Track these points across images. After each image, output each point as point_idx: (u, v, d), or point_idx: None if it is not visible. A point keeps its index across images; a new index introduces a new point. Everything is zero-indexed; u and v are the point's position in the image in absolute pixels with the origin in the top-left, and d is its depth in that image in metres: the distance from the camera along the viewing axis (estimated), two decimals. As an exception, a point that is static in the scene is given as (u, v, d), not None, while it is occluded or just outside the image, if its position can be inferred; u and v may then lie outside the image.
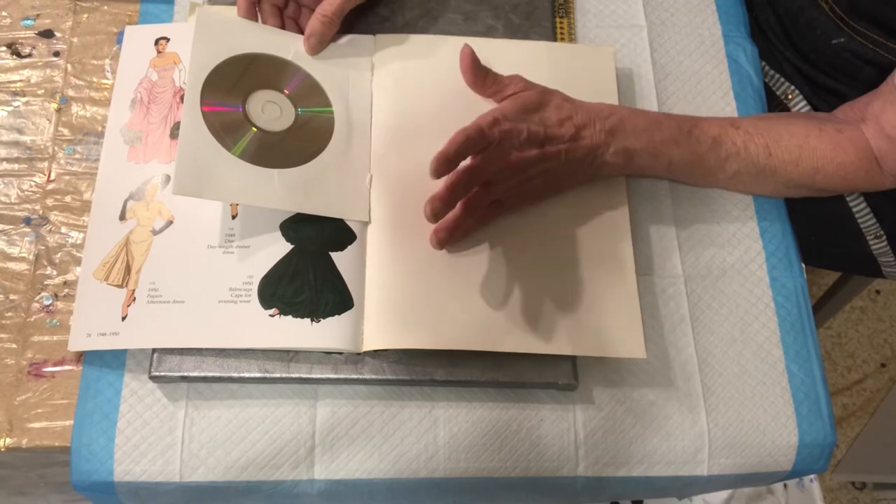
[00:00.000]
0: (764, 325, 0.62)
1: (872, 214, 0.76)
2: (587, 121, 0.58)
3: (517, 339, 0.55)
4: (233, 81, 0.59)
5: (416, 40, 0.65)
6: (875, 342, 1.48)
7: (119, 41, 0.68)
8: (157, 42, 0.65)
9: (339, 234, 0.58)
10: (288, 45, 0.62)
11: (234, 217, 0.57)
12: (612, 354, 0.56)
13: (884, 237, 0.78)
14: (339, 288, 0.56)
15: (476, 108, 0.59)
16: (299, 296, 0.55)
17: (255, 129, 0.58)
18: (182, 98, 0.59)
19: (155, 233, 0.57)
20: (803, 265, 0.66)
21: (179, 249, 0.57)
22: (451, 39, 0.65)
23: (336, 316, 0.55)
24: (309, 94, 0.61)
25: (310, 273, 0.56)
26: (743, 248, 0.65)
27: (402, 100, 0.63)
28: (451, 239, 0.56)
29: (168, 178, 0.59)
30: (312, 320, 0.55)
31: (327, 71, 0.62)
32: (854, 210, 0.77)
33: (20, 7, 0.69)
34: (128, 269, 0.56)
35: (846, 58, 0.70)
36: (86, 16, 0.69)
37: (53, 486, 0.65)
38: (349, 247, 0.58)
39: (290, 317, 0.55)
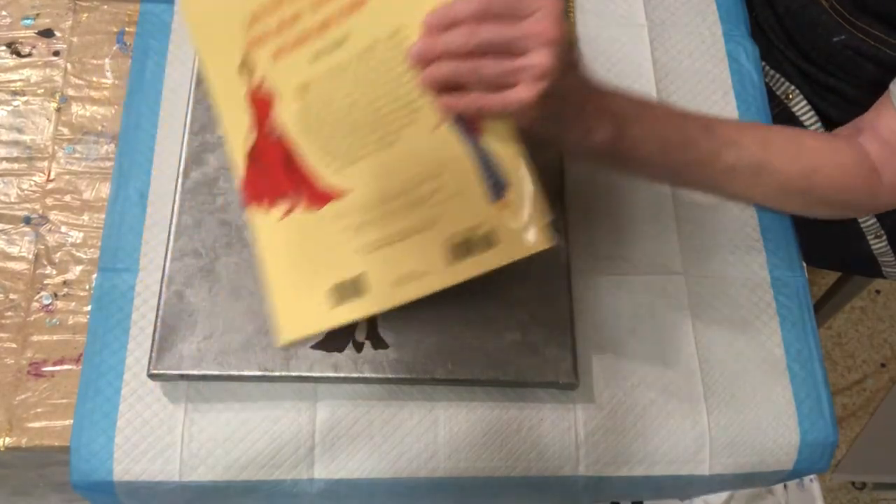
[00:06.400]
0: (765, 325, 0.62)
1: (873, 214, 0.77)
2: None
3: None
4: None
5: None
6: (875, 342, 1.48)
7: (119, 41, 0.68)
8: None
9: None
10: None
11: None
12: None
13: (884, 237, 0.78)
14: None
15: None
16: None
17: None
18: None
19: None
20: (804, 264, 0.66)
21: None
22: None
23: None
24: None
25: None
26: (744, 246, 0.65)
27: None
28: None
29: None
30: None
31: None
32: (854, 209, 0.77)
33: (20, 6, 0.69)
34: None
35: (847, 55, 0.70)
36: (85, 15, 0.69)
37: (53, 485, 0.65)
38: None
39: None
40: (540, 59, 0.45)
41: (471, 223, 0.49)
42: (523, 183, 0.48)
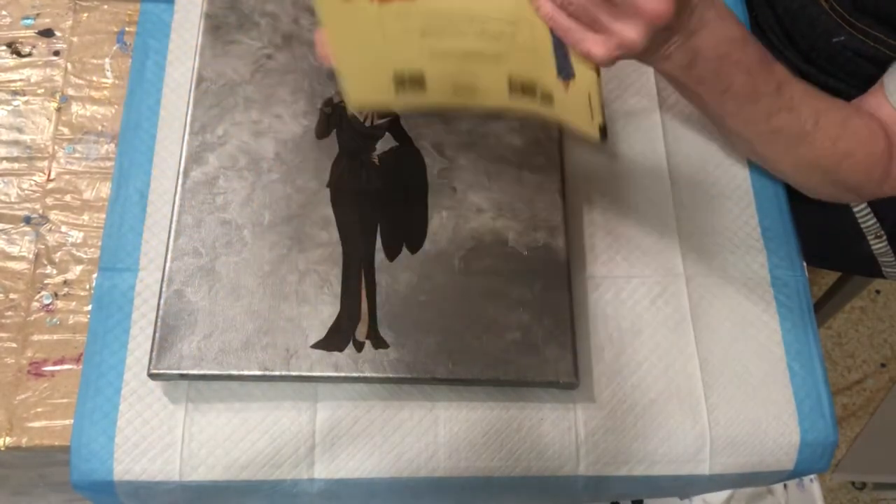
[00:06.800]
0: (765, 324, 0.62)
1: (873, 214, 0.77)
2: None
3: None
4: None
5: None
6: (875, 342, 1.48)
7: (119, 41, 0.68)
8: None
9: None
10: None
11: None
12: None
13: (884, 237, 0.78)
14: None
15: None
16: None
17: None
18: None
19: None
20: (805, 263, 0.66)
21: None
22: None
23: None
24: None
25: None
26: (744, 246, 0.65)
27: None
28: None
29: None
30: None
31: None
32: (855, 210, 0.77)
33: (20, 6, 0.69)
34: None
35: (847, 56, 0.70)
36: (86, 15, 0.69)
37: (53, 485, 0.65)
38: None
39: None
40: (629, 33, 0.43)
41: (535, 76, 0.49)
42: (588, 82, 0.47)
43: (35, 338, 0.58)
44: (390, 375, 0.55)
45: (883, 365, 1.46)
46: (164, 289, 0.56)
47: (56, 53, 0.68)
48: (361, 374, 0.55)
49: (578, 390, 0.58)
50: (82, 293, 0.60)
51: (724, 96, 0.55)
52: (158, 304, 0.56)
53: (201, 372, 0.54)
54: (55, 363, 0.58)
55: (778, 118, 0.57)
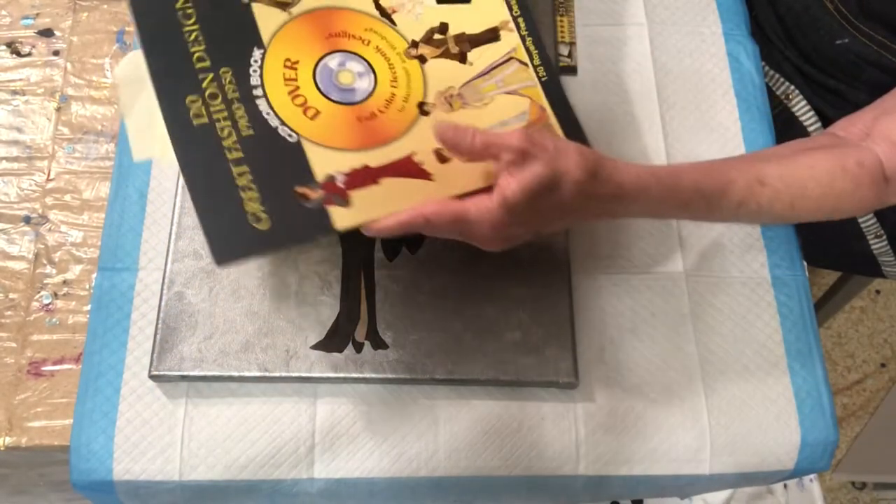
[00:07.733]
0: (766, 324, 0.62)
1: (873, 214, 0.76)
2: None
3: None
4: None
5: None
6: (875, 342, 1.48)
7: (118, 40, 0.68)
8: None
9: None
10: None
11: None
12: None
13: (884, 237, 0.78)
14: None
15: None
16: None
17: None
18: None
19: None
20: (805, 263, 0.66)
21: None
22: None
23: None
24: None
25: None
26: (744, 245, 0.65)
27: None
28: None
29: None
30: None
31: None
32: (855, 210, 0.77)
33: (20, 6, 0.69)
34: None
35: (849, 59, 0.70)
36: (85, 15, 0.69)
37: (53, 484, 0.65)
38: None
39: None
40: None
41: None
42: None
43: (34, 338, 0.58)
44: (390, 376, 0.55)
45: (883, 365, 1.46)
46: (164, 291, 0.56)
47: (56, 53, 0.68)
48: (361, 375, 0.55)
49: (578, 390, 0.58)
50: (82, 293, 0.60)
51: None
52: (159, 306, 0.56)
53: (202, 373, 0.54)
54: (55, 363, 0.58)
55: (744, 218, 0.56)
